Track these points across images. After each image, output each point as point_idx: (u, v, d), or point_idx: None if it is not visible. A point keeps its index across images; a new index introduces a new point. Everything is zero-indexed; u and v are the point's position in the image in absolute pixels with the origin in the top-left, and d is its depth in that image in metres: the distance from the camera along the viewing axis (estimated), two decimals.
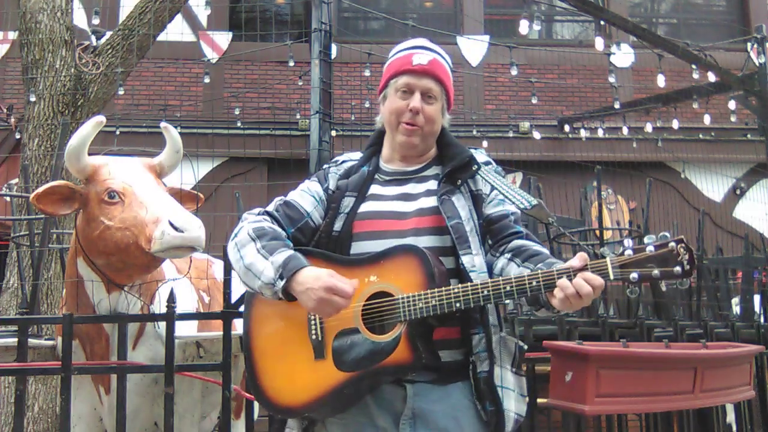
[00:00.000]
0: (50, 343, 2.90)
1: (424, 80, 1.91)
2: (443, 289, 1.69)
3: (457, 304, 1.68)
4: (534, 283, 1.65)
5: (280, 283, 1.70)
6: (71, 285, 2.63)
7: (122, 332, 2.52)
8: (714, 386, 2.78)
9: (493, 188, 1.90)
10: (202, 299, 3.15)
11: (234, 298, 2.64)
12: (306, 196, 1.96)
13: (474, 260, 1.80)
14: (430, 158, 1.99)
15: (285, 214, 1.91)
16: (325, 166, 2.07)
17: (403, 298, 1.71)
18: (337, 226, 1.88)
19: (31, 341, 2.71)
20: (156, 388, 2.64)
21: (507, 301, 1.86)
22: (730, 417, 3.87)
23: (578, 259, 1.64)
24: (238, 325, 2.76)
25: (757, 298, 4.89)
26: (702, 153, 9.38)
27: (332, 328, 1.76)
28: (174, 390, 2.48)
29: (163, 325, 2.55)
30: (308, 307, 1.71)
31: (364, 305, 1.75)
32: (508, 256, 1.83)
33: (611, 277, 1.62)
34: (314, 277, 1.69)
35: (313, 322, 1.79)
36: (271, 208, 1.94)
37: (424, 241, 1.81)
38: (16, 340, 2.56)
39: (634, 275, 1.61)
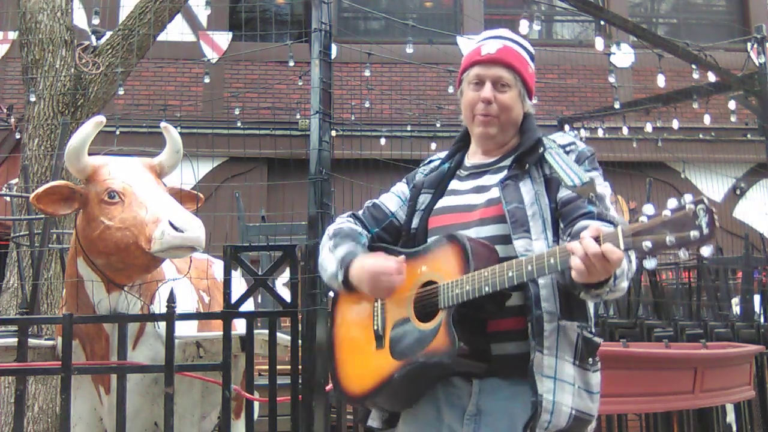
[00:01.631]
0: (50, 343, 2.90)
1: (494, 69, 1.87)
2: (476, 273, 1.66)
3: (486, 288, 1.63)
4: (551, 261, 1.56)
5: (340, 275, 1.84)
6: (71, 285, 2.63)
7: (122, 332, 2.52)
8: (714, 386, 2.78)
9: (551, 165, 1.80)
10: (202, 299, 3.15)
11: (234, 298, 2.64)
12: (393, 197, 2.03)
13: (532, 245, 1.71)
14: (510, 148, 1.93)
15: (370, 214, 2.01)
16: (418, 167, 2.11)
17: (443, 285, 1.72)
18: (414, 222, 1.92)
19: (31, 341, 2.71)
20: (156, 388, 2.64)
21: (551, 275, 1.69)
22: (730, 417, 3.87)
23: (590, 230, 1.52)
24: (238, 325, 2.76)
25: (757, 298, 4.89)
26: (702, 153, 9.38)
27: (391, 318, 1.82)
28: (174, 390, 2.48)
29: (163, 325, 2.55)
30: (368, 292, 1.81)
31: (417, 293, 1.79)
32: (568, 239, 1.70)
33: (621, 245, 1.46)
34: (360, 265, 1.81)
35: (376, 312, 1.85)
36: (361, 211, 2.04)
37: (486, 231, 1.78)
38: (16, 340, 2.56)
39: (647, 243, 1.42)
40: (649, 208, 1.43)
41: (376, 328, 1.84)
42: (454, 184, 1.95)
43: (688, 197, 1.40)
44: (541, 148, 1.83)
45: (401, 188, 2.05)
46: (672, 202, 1.42)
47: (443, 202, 1.91)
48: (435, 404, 1.80)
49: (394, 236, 1.98)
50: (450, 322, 1.68)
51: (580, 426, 1.71)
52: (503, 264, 1.63)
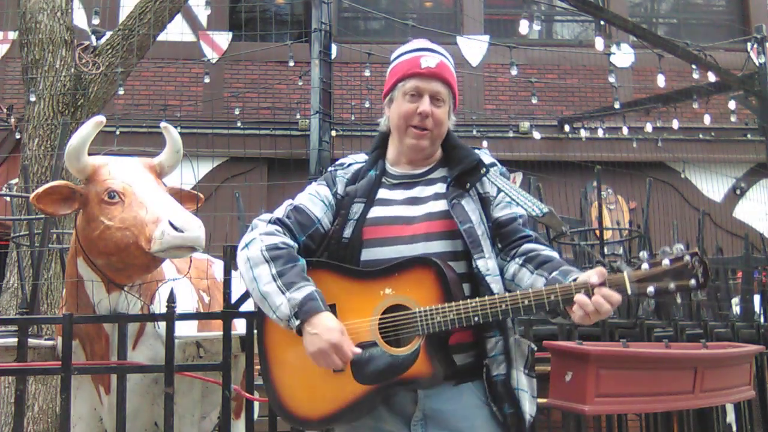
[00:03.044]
0: (50, 343, 2.90)
1: (433, 83, 1.90)
2: (461, 303, 1.70)
3: (476, 318, 1.69)
4: (552, 298, 1.67)
5: (295, 323, 1.72)
6: (71, 285, 2.63)
7: (122, 332, 2.52)
8: (714, 386, 2.77)
9: (500, 191, 1.89)
10: (202, 299, 3.15)
11: (234, 298, 2.64)
12: (316, 201, 1.95)
13: (488, 264, 1.80)
14: (435, 160, 1.98)
15: (296, 220, 1.90)
16: (330, 168, 2.05)
17: (420, 311, 1.71)
18: (347, 232, 1.88)
19: (31, 341, 2.71)
20: (156, 388, 2.64)
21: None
22: (730, 417, 3.87)
23: (596, 275, 1.65)
24: (238, 325, 2.76)
25: (757, 298, 4.89)
26: (702, 153, 9.38)
27: (351, 342, 1.76)
28: (174, 390, 2.48)
29: (163, 325, 2.55)
30: (307, 350, 1.72)
31: (380, 318, 1.75)
32: (519, 261, 1.82)
33: (629, 292, 1.64)
34: (327, 328, 1.70)
35: None
36: (281, 213, 1.92)
37: (435, 246, 1.81)
38: (16, 340, 2.56)
39: (650, 289, 1.63)
40: (644, 255, 1.68)
41: None
42: (383, 193, 1.93)
43: (680, 248, 1.65)
44: (483, 169, 1.91)
45: (323, 191, 1.97)
46: (665, 252, 1.66)
47: (376, 212, 1.90)
48: (375, 414, 1.79)
49: (317, 244, 1.91)
50: (431, 347, 1.71)
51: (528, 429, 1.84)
52: (493, 297, 1.72)
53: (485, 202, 1.90)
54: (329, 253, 1.89)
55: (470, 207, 1.85)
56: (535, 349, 1.90)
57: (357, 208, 1.90)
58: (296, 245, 1.86)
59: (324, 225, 1.92)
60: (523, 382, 1.81)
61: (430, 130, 1.90)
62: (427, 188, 1.93)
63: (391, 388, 1.74)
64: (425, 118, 1.89)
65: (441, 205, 1.86)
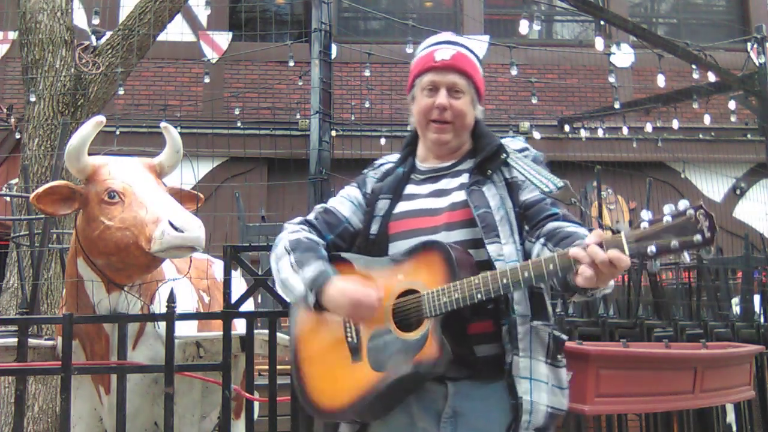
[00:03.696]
0: (50, 343, 2.90)
1: (449, 75, 1.89)
2: (465, 281, 1.66)
3: (479, 295, 1.64)
4: (551, 267, 1.58)
5: (312, 298, 1.76)
6: (71, 285, 2.63)
7: (122, 332, 2.52)
8: (714, 386, 2.77)
9: (519, 172, 1.85)
10: (202, 299, 3.15)
11: (234, 298, 2.64)
12: (345, 202, 1.98)
13: (502, 249, 1.75)
14: (464, 152, 1.96)
15: (324, 221, 1.94)
16: (365, 170, 2.07)
17: (427, 294, 1.70)
18: (374, 228, 1.89)
19: (31, 341, 2.71)
20: (156, 388, 2.64)
21: (541, 285, 1.76)
22: (730, 417, 3.87)
23: (593, 236, 1.55)
24: (238, 325, 2.76)
25: (757, 298, 4.89)
26: (702, 153, 9.38)
27: (367, 329, 1.78)
28: (174, 390, 2.48)
29: (163, 325, 2.55)
30: (340, 318, 1.76)
31: (395, 304, 1.75)
32: (542, 240, 1.76)
33: (627, 252, 1.51)
34: (338, 291, 1.73)
35: (348, 324, 1.81)
36: (311, 216, 1.97)
37: (455, 235, 1.79)
38: (16, 340, 2.56)
39: (651, 248, 1.49)
40: (646, 214, 1.52)
41: (350, 340, 1.79)
42: (410, 189, 1.94)
43: (684, 203, 1.48)
44: (504, 154, 1.87)
45: (353, 192, 2.01)
46: (669, 208, 1.49)
47: (402, 206, 1.90)
48: (406, 410, 1.78)
49: (348, 243, 1.94)
50: (438, 330, 1.68)
51: (554, 421, 1.76)
52: (494, 271, 1.66)
53: (512, 187, 1.86)
54: (359, 250, 1.91)
55: (491, 193, 1.82)
56: (563, 338, 1.81)
57: (383, 204, 1.91)
58: (322, 242, 1.90)
59: (353, 224, 1.95)
60: (541, 371, 1.73)
61: (451, 123, 1.89)
62: (454, 180, 1.91)
63: (412, 377, 1.70)
64: (443, 111, 1.88)
65: (464, 195, 1.84)
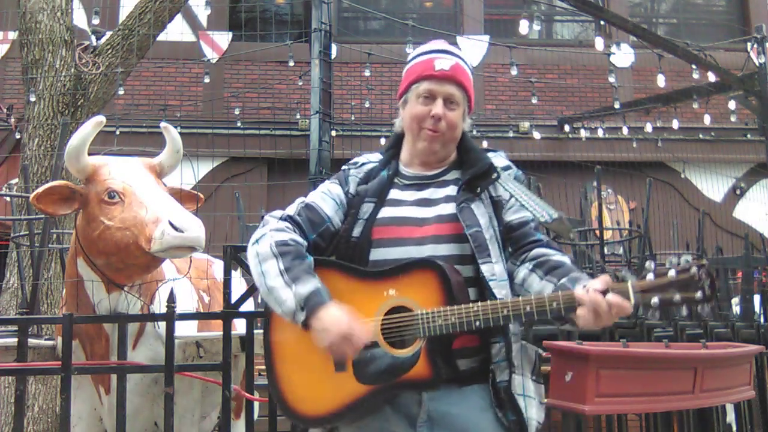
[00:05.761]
0: (50, 343, 2.90)
1: (447, 86, 1.89)
2: (463, 306, 1.68)
3: (477, 323, 1.67)
4: (554, 305, 1.64)
5: (301, 317, 1.71)
6: (71, 285, 2.63)
7: (122, 332, 2.52)
8: (714, 386, 2.77)
9: (512, 195, 1.87)
10: (202, 299, 3.15)
11: (234, 298, 2.64)
12: (327, 199, 1.94)
13: (494, 269, 1.78)
14: (449, 162, 1.97)
15: (307, 218, 1.90)
16: (344, 167, 2.04)
17: (422, 314, 1.70)
18: (356, 232, 1.87)
19: (31, 341, 2.71)
20: (156, 388, 2.64)
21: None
22: (730, 417, 3.87)
23: (600, 283, 1.61)
24: (238, 325, 2.76)
25: (757, 298, 4.89)
26: (702, 153, 9.39)
27: None
28: (174, 390, 2.48)
29: (163, 325, 2.55)
30: (320, 344, 1.71)
31: (383, 319, 1.74)
32: (529, 266, 1.80)
33: (632, 302, 1.59)
34: (335, 320, 1.69)
35: None
36: (293, 211, 1.92)
37: (443, 249, 1.79)
38: (16, 340, 2.56)
39: (655, 300, 1.58)
40: (650, 265, 1.61)
41: None
42: (395, 194, 1.93)
43: (687, 258, 1.59)
44: (494, 174, 1.89)
45: (335, 190, 1.96)
46: (674, 261, 1.60)
47: (386, 212, 1.89)
48: (380, 416, 1.78)
49: (327, 242, 1.90)
50: (432, 350, 1.70)
51: None
52: (495, 302, 1.69)
53: (497, 206, 1.88)
54: (338, 252, 1.88)
55: (480, 211, 1.84)
56: (543, 354, 1.87)
57: (367, 208, 1.89)
58: (306, 243, 1.86)
59: (334, 224, 1.92)
60: (530, 388, 1.79)
61: (442, 133, 1.89)
62: (439, 190, 1.91)
63: (392, 389, 1.73)
64: (438, 121, 1.88)
65: (451, 208, 1.85)
